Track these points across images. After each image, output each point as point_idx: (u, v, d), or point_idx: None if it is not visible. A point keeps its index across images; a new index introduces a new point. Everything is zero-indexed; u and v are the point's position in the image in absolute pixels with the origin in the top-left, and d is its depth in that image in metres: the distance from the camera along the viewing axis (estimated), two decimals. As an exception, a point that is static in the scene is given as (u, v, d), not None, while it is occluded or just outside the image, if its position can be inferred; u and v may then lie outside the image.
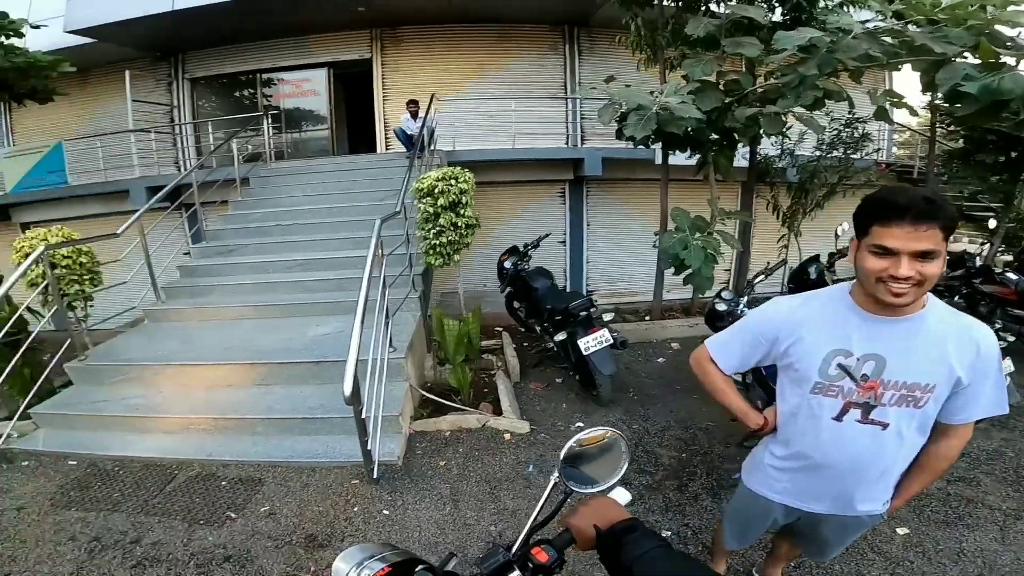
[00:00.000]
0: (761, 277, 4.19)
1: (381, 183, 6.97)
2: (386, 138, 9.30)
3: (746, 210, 6.38)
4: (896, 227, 1.13)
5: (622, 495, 1.05)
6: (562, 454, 1.04)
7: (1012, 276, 4.87)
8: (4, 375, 3.76)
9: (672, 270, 4.98)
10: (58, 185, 8.69)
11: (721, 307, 3.95)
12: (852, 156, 6.51)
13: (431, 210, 4.65)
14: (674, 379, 4.75)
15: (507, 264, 5.74)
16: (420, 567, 0.90)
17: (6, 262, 4.42)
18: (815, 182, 6.42)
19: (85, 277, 4.44)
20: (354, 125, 10.75)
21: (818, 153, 6.50)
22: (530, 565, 0.94)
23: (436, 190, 4.60)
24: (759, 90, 4.56)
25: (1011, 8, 3.40)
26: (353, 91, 10.30)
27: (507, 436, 3.69)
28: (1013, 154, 5.42)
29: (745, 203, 6.63)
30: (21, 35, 6.43)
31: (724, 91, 4.66)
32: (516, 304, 5.81)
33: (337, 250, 5.72)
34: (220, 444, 3.44)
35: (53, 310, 4.22)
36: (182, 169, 8.85)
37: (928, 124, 7.11)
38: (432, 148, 7.21)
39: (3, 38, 6.13)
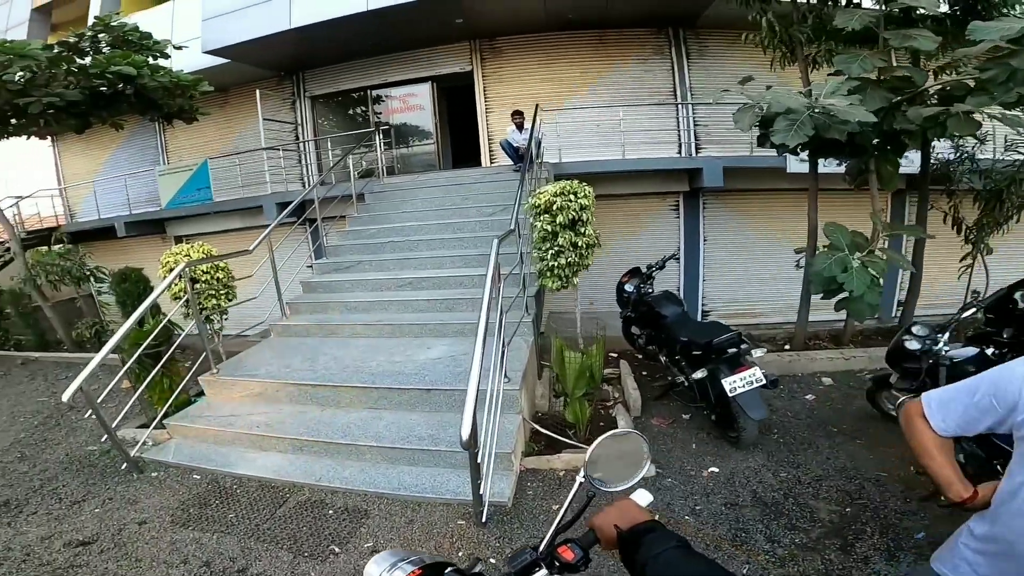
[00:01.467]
0: (972, 309, 3.39)
1: (488, 198, 6.86)
2: (490, 151, 9.24)
3: (919, 224, 5.42)
4: None
5: (643, 497, 1.10)
6: (587, 455, 1.09)
7: None
8: (145, 384, 4.04)
9: (820, 295, 4.32)
10: (205, 201, 9.63)
11: (913, 345, 3.20)
12: None
13: (549, 228, 4.36)
14: (829, 420, 4.07)
15: (628, 287, 5.24)
16: (449, 568, 0.92)
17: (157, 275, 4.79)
18: (1011, 189, 5.31)
19: (221, 292, 4.73)
20: (457, 138, 10.86)
21: (1019, 157, 5.42)
22: (556, 564, 0.98)
23: (554, 206, 4.30)
24: (944, 87, 3.86)
25: None
26: (456, 104, 10.41)
27: (628, 480, 3.29)
28: None
29: (918, 216, 5.64)
30: (167, 56, 7.12)
31: (889, 89, 4.01)
32: (636, 330, 5.33)
33: (446, 268, 5.65)
34: (330, 469, 3.41)
35: (191, 324, 4.51)
36: (306, 185, 9.44)
37: None
38: (539, 160, 6.99)
39: (151, 58, 6.79)
